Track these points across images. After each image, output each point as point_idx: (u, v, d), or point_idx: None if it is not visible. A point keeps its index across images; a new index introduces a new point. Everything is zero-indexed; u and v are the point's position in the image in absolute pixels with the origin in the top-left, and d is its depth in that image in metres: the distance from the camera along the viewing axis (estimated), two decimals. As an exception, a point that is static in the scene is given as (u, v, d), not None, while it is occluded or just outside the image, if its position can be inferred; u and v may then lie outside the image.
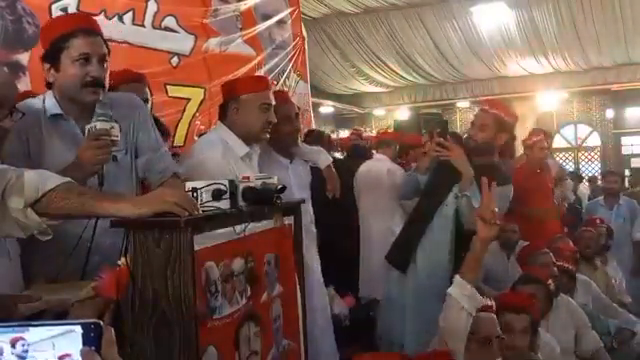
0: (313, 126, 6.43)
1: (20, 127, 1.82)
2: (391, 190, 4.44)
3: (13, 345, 0.84)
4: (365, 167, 5.11)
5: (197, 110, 4.66)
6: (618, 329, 3.57)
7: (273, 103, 2.54)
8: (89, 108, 1.94)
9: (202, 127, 4.65)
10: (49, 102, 1.96)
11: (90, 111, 1.94)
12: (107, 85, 2.02)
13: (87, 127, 1.85)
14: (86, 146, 1.80)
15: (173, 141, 4.43)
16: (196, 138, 4.45)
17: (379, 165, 4.94)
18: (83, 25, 1.96)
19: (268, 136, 2.56)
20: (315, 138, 5.28)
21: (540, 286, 2.90)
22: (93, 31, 1.96)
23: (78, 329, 0.85)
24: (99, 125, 1.81)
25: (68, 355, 0.85)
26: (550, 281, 2.99)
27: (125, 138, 2.01)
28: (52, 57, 1.91)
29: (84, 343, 0.85)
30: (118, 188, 1.97)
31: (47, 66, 1.93)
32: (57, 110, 1.95)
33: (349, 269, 4.74)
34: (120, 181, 2.01)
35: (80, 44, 1.90)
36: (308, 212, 2.94)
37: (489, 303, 2.29)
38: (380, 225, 4.57)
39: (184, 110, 4.58)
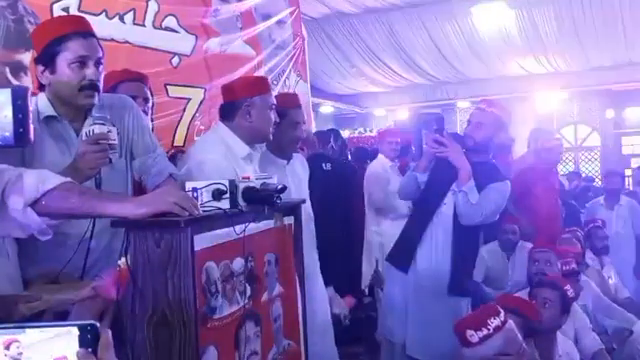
0: (313, 126, 6.42)
1: None
2: None
3: (7, 347, 0.84)
4: (373, 167, 5.16)
5: (197, 110, 4.66)
6: (616, 329, 3.57)
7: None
8: (83, 110, 1.93)
9: (202, 127, 4.65)
10: (42, 104, 1.93)
11: (84, 113, 1.94)
12: (102, 87, 1.99)
13: (84, 130, 1.84)
14: (84, 150, 1.79)
15: (173, 141, 4.43)
16: (196, 138, 4.46)
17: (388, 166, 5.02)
18: (79, 27, 1.93)
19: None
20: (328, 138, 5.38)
21: (557, 292, 2.84)
22: (89, 33, 1.94)
23: (75, 331, 0.85)
24: (97, 129, 1.80)
25: (64, 357, 0.84)
26: (568, 287, 2.93)
27: (120, 140, 1.99)
28: (47, 59, 1.89)
29: (81, 345, 0.85)
30: (112, 190, 1.94)
31: (41, 68, 1.91)
32: (51, 112, 1.93)
33: (349, 268, 4.75)
34: (115, 184, 2.00)
35: (77, 47, 1.87)
36: (306, 210, 2.94)
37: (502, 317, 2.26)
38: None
39: (184, 110, 4.59)
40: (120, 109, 2.07)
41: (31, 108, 1.87)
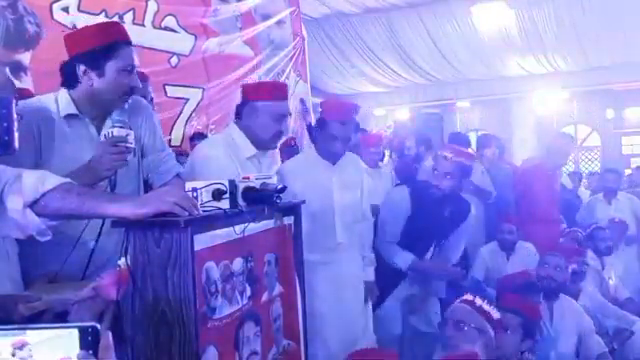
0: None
1: (31, 121, 1.86)
2: None
3: (20, 348, 0.84)
4: None
5: (194, 110, 4.66)
6: (616, 329, 3.57)
7: (288, 113, 2.56)
8: (109, 111, 2.00)
9: (199, 127, 4.66)
10: (63, 101, 1.98)
11: (104, 112, 2.00)
12: None
13: (103, 132, 1.90)
14: (103, 151, 1.83)
15: (169, 142, 4.43)
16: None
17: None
18: (126, 37, 2.02)
19: (278, 145, 2.60)
20: None
21: (518, 318, 2.77)
22: (131, 43, 2.04)
23: (75, 332, 0.85)
24: (117, 132, 1.84)
25: (65, 358, 0.85)
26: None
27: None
28: (94, 62, 1.94)
29: (81, 346, 0.85)
30: (125, 189, 2.00)
31: (83, 68, 1.95)
32: (72, 110, 1.98)
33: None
34: (127, 183, 2.05)
35: (128, 55, 1.97)
36: (352, 211, 2.93)
37: (469, 297, 2.41)
38: None
39: (182, 110, 4.59)
40: (134, 109, 2.13)
41: (53, 107, 1.95)
